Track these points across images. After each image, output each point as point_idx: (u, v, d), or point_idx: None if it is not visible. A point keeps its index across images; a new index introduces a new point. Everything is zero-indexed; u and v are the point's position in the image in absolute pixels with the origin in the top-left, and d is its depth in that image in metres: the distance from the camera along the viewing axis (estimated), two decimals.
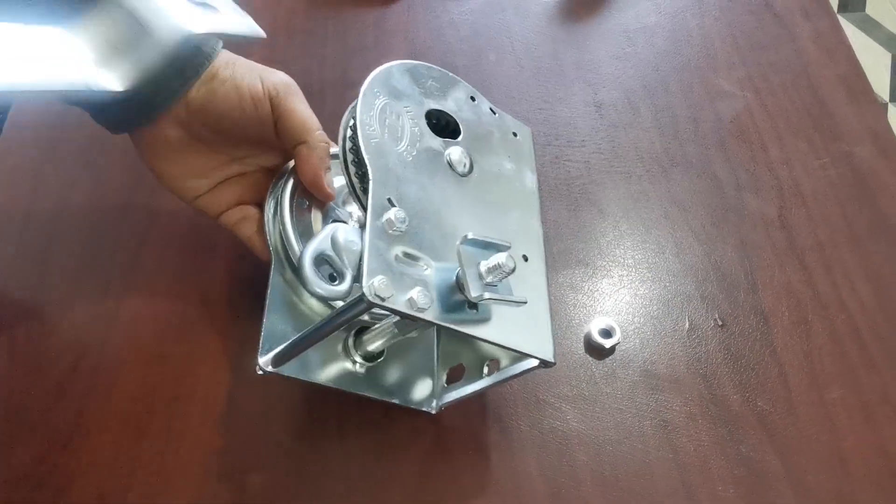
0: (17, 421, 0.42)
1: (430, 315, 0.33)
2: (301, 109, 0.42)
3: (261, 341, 0.38)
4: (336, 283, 0.35)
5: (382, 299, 0.31)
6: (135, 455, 0.42)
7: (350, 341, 0.43)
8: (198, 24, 0.37)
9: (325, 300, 0.41)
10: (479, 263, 0.34)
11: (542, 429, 0.46)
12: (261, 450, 0.43)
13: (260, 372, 0.38)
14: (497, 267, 0.34)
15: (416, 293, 0.33)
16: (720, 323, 0.52)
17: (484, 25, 0.67)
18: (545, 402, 0.47)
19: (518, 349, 0.36)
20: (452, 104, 0.42)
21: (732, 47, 0.69)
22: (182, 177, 0.43)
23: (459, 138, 0.41)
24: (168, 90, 0.39)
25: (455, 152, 0.40)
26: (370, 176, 0.36)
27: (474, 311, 0.35)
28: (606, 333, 0.50)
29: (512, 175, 0.42)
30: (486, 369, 0.41)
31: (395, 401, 0.43)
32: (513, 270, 0.34)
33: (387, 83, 0.40)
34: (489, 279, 0.34)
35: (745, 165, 0.61)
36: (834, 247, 0.57)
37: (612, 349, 0.50)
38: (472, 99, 0.44)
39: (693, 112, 0.64)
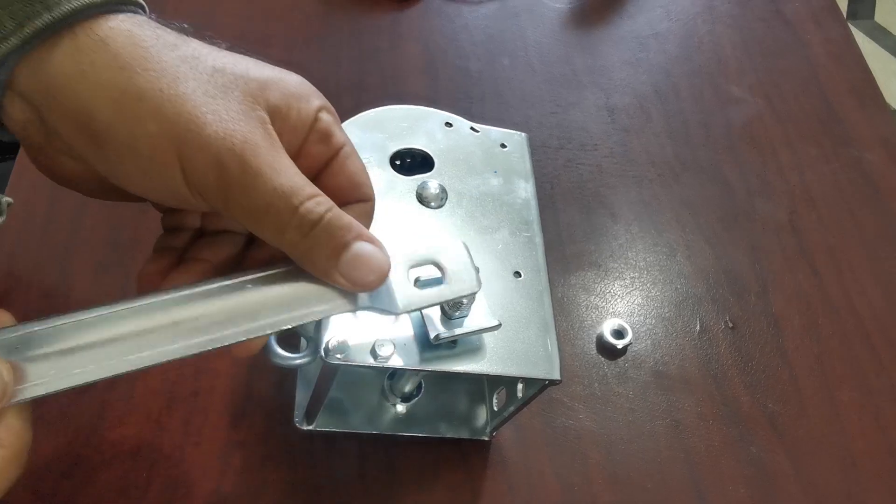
0: (40, 413, 0.43)
1: (396, 362, 0.33)
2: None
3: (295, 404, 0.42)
4: (301, 350, 0.35)
5: (339, 357, 0.32)
6: (156, 448, 0.43)
7: (386, 384, 0.44)
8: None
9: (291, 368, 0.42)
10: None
11: (554, 427, 0.47)
12: (279, 444, 0.44)
13: (304, 428, 0.42)
14: (455, 299, 0.33)
15: (378, 344, 0.33)
16: (731, 325, 0.52)
17: (498, 30, 0.68)
18: (558, 401, 0.48)
19: (516, 375, 0.35)
20: (423, 138, 0.42)
21: (743, 53, 0.70)
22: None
23: (433, 170, 0.41)
24: None
25: (427, 186, 0.39)
26: None
27: (454, 346, 0.34)
28: (618, 334, 0.50)
29: (499, 190, 0.41)
30: (519, 392, 0.41)
31: (445, 435, 0.44)
32: (472, 298, 0.33)
33: None
34: (456, 313, 0.34)
35: (756, 170, 0.61)
36: (844, 251, 0.57)
37: (624, 350, 0.50)
38: (449, 125, 0.43)
39: (704, 117, 0.64)
